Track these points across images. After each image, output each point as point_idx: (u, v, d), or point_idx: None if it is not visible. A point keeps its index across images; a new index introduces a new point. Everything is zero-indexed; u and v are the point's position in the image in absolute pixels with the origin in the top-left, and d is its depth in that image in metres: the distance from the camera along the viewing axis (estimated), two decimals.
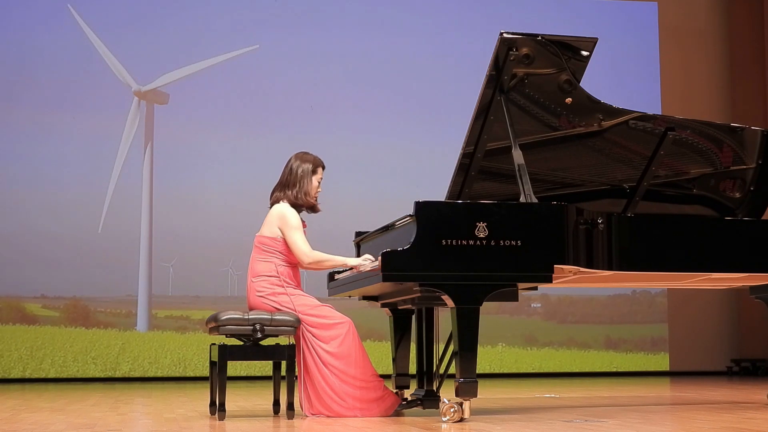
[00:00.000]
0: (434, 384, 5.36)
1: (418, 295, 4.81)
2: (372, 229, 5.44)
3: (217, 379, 4.95)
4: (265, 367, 9.58)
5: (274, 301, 5.05)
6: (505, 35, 4.87)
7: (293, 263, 5.17)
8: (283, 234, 5.10)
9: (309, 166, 5.20)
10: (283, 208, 5.14)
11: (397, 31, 10.95)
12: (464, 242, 4.61)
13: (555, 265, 4.73)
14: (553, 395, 7.05)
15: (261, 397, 6.78)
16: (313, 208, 5.26)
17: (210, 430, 4.50)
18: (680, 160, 5.52)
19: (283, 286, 5.08)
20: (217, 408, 4.93)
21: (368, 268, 4.94)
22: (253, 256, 5.19)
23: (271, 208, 5.23)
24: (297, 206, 5.19)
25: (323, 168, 5.27)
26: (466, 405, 4.65)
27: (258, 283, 5.10)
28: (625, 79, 11.23)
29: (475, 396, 4.63)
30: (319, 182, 5.24)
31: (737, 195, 5.69)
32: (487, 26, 10.57)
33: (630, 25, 11.51)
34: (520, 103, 5.13)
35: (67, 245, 10.10)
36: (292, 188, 5.17)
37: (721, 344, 11.40)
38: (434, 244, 4.59)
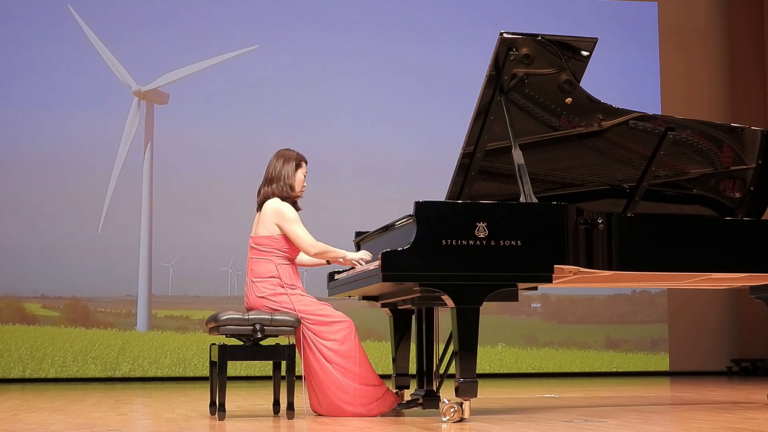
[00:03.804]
0: (434, 384, 5.36)
1: (418, 295, 4.81)
2: (372, 229, 5.44)
3: (217, 379, 4.95)
4: (265, 367, 9.58)
5: (274, 302, 5.05)
6: (505, 35, 4.87)
7: (292, 260, 5.18)
8: (282, 229, 5.10)
9: (292, 162, 5.22)
10: (277, 203, 5.15)
11: (397, 31, 10.95)
12: (464, 242, 4.61)
13: (555, 265, 4.73)
14: (553, 395, 7.05)
15: (261, 397, 6.78)
16: (294, 205, 5.25)
17: (210, 430, 4.50)
18: (680, 160, 5.52)
19: (284, 287, 5.08)
20: (217, 408, 4.93)
21: (371, 267, 4.89)
22: (250, 257, 5.18)
23: (259, 207, 5.24)
24: (286, 200, 5.19)
25: (306, 163, 5.29)
26: (466, 405, 4.65)
27: (260, 284, 5.09)
28: (625, 79, 11.24)
29: (475, 396, 4.63)
30: (304, 176, 5.25)
31: (737, 195, 5.69)
32: (486, 26, 10.57)
33: (630, 25, 11.51)
34: (520, 103, 5.13)
35: (67, 245, 10.10)
36: (277, 182, 5.18)
37: (721, 344, 11.40)
38: (434, 244, 4.59)
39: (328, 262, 5.37)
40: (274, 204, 5.15)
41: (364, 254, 5.16)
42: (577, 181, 5.46)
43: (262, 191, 5.24)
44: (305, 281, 5.31)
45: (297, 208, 5.27)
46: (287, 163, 5.21)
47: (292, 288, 5.10)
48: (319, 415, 5.01)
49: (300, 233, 5.10)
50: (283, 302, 5.04)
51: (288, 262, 5.15)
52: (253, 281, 5.12)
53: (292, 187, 5.19)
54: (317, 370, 5.00)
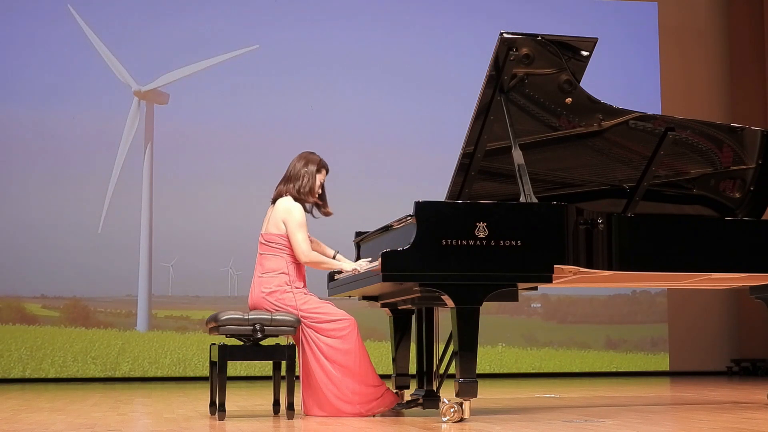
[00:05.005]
0: (434, 384, 5.36)
1: (418, 295, 4.82)
2: (372, 229, 5.44)
3: (217, 379, 4.95)
4: (265, 367, 9.58)
5: (278, 299, 5.05)
6: (505, 35, 4.87)
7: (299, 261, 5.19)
8: (286, 227, 5.11)
9: (314, 166, 5.24)
10: (288, 202, 5.17)
11: (397, 31, 10.94)
12: (464, 242, 4.61)
13: (555, 265, 4.73)
14: (553, 395, 7.06)
15: (261, 397, 6.78)
16: (320, 209, 5.29)
17: (210, 430, 4.50)
18: (680, 160, 5.52)
19: (290, 284, 5.08)
20: (217, 408, 4.93)
21: (365, 269, 4.98)
22: (260, 253, 5.20)
23: (273, 203, 5.25)
24: (300, 201, 5.21)
25: (327, 171, 5.32)
26: (466, 405, 4.65)
27: (267, 279, 5.10)
28: (625, 79, 11.23)
29: (475, 396, 4.63)
30: (321, 183, 5.28)
31: (737, 195, 5.69)
32: (487, 26, 10.57)
33: (630, 25, 11.50)
34: (520, 103, 5.13)
35: (67, 245, 10.10)
36: (294, 182, 5.20)
37: (721, 344, 11.40)
38: (434, 244, 4.59)
39: None
40: (285, 203, 5.17)
41: (358, 264, 5.16)
42: (577, 181, 5.46)
43: (277, 189, 5.27)
44: (307, 281, 5.32)
45: (328, 213, 5.31)
46: (309, 165, 5.23)
47: (296, 287, 5.11)
48: (316, 416, 5.01)
49: (299, 238, 5.10)
50: (287, 300, 5.05)
51: (295, 262, 5.16)
52: (260, 276, 5.13)
53: (311, 189, 5.21)
54: (316, 369, 5.00)
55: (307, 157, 5.28)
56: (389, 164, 10.72)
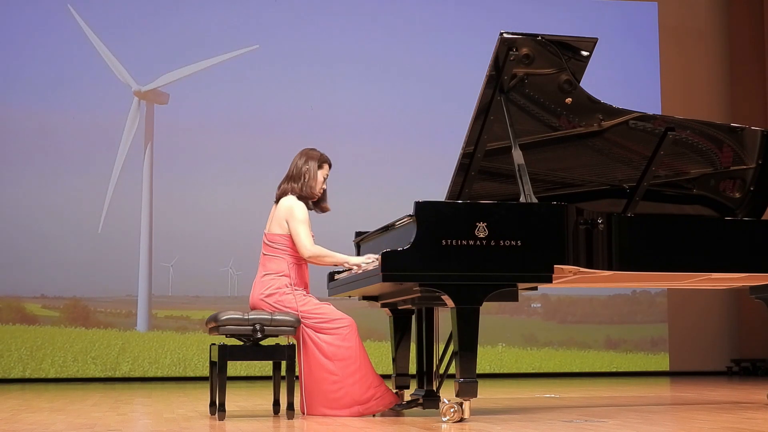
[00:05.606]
0: (434, 384, 5.36)
1: (418, 295, 4.81)
2: (372, 229, 5.44)
3: (217, 379, 4.95)
4: (265, 367, 9.58)
5: (277, 301, 5.05)
6: (505, 35, 4.87)
7: (302, 261, 5.18)
8: (288, 225, 5.11)
9: (315, 162, 5.23)
10: (291, 201, 5.17)
11: (397, 30, 10.95)
12: (464, 242, 4.61)
13: (555, 265, 4.73)
14: (553, 395, 7.06)
15: (261, 397, 6.78)
16: (318, 204, 5.28)
17: (210, 430, 4.50)
18: (680, 160, 5.52)
19: (290, 287, 5.08)
20: (217, 408, 4.93)
21: (370, 267, 4.93)
22: (263, 253, 5.20)
23: (277, 202, 5.25)
24: (303, 199, 5.21)
25: (329, 165, 5.30)
26: (466, 405, 4.65)
27: (267, 280, 5.09)
28: (625, 79, 11.24)
29: (475, 396, 4.63)
30: (324, 178, 5.27)
31: (737, 195, 5.69)
32: (487, 26, 10.57)
33: (630, 25, 11.51)
34: (520, 103, 5.13)
35: (67, 245, 10.10)
36: (297, 181, 5.20)
37: (721, 344, 11.40)
38: (434, 244, 4.59)
39: None
40: (288, 202, 5.17)
41: (365, 258, 5.05)
42: (577, 181, 5.46)
43: (281, 187, 5.26)
44: (310, 281, 5.31)
45: (321, 206, 5.29)
46: (309, 162, 5.22)
47: (297, 288, 5.10)
48: (316, 415, 5.01)
49: (301, 233, 5.10)
50: (286, 302, 5.05)
51: (297, 263, 5.15)
52: (262, 277, 5.12)
53: (312, 187, 5.20)
54: (316, 369, 5.00)
55: (308, 154, 5.27)
56: (389, 164, 10.72)
